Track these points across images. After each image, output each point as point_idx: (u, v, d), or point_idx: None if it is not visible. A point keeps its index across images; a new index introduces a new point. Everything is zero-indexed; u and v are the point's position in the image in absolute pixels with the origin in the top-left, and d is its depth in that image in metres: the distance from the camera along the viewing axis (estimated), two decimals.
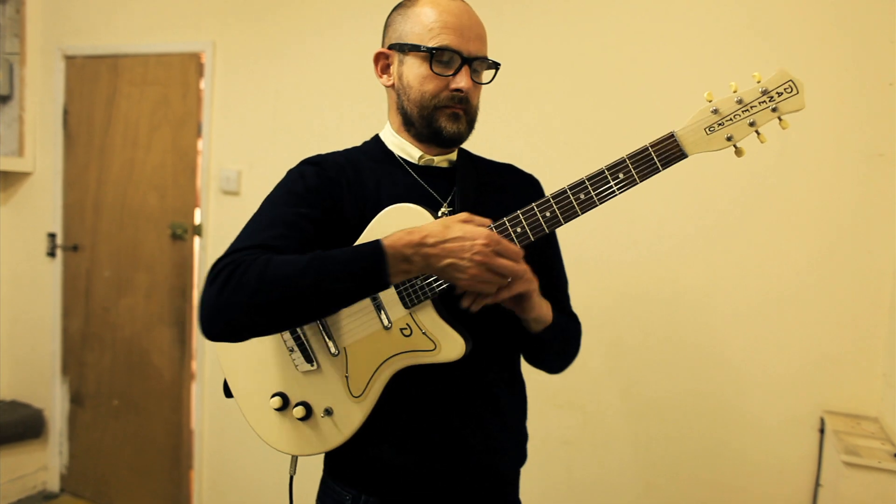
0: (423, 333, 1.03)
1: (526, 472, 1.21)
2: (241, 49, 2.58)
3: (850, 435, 1.60)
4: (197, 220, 2.71)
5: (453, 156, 1.17)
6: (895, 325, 1.67)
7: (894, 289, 1.69)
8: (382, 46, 1.14)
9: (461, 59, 1.06)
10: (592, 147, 2.01)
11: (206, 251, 2.70)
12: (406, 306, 1.03)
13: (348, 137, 2.37)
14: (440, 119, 1.08)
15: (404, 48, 1.08)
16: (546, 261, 1.18)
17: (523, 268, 0.97)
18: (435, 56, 1.05)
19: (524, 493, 1.22)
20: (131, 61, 2.81)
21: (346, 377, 1.06)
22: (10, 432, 2.96)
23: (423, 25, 1.06)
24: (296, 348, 1.09)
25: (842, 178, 1.75)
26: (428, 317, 1.03)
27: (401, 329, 1.04)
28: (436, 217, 1.01)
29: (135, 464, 2.93)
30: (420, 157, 1.13)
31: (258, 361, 1.13)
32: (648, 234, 1.95)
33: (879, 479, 1.46)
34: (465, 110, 1.09)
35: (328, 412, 1.07)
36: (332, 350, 1.07)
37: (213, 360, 2.72)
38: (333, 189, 1.09)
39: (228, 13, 2.60)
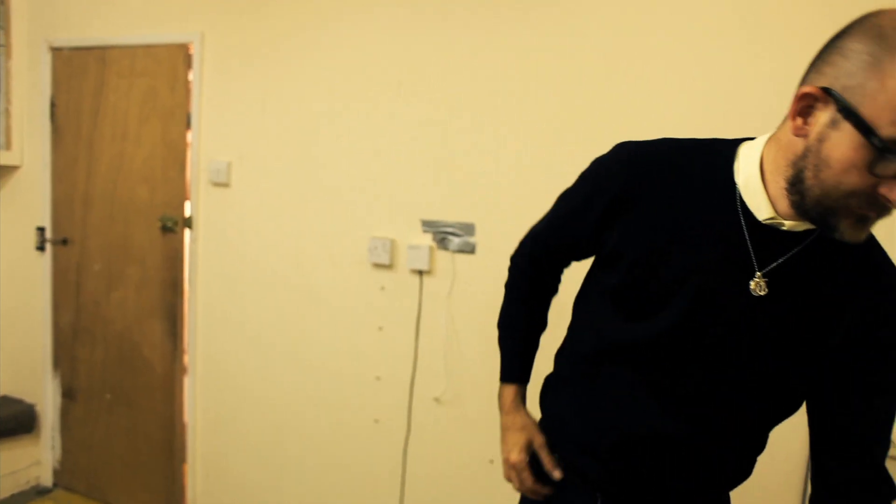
0: None
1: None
2: (230, 40, 2.56)
3: None
4: (187, 213, 2.70)
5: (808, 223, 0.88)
6: None
7: None
8: (812, 75, 0.83)
9: None
10: (583, 152, 2.00)
11: (197, 243, 2.69)
12: None
13: (340, 129, 2.36)
14: (841, 219, 0.81)
15: (849, 114, 0.75)
16: (855, 379, 0.94)
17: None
18: (883, 155, 0.73)
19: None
20: (119, 53, 2.78)
21: None
22: (2, 427, 2.95)
23: (891, 100, 0.71)
24: None
25: None
26: None
27: None
28: (746, 288, 0.91)
29: (128, 458, 2.92)
30: (768, 219, 0.89)
31: None
32: None
33: None
34: (880, 216, 0.81)
35: None
36: None
37: (204, 353, 2.72)
38: (628, 191, 0.98)
39: (216, 3, 2.58)
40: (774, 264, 0.91)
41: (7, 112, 2.99)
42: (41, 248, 3.03)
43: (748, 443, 1.05)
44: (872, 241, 0.93)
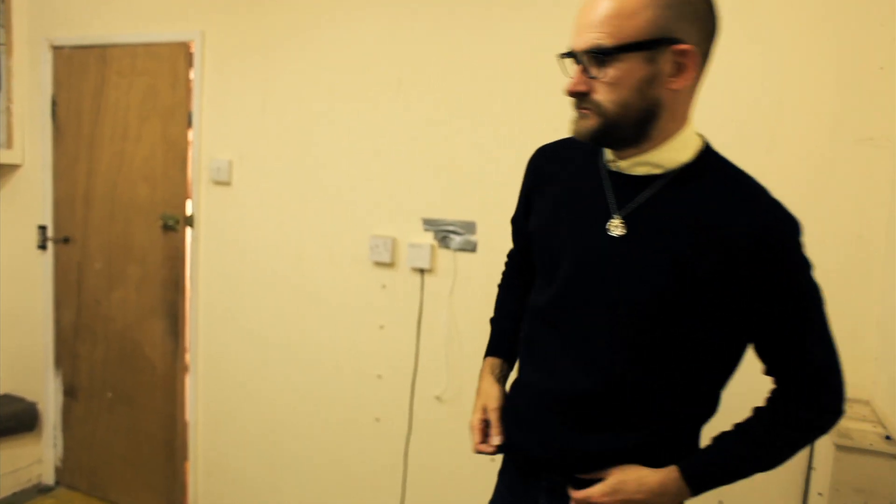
0: None
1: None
2: (231, 38, 2.56)
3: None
4: (188, 211, 2.70)
5: (658, 163, 1.01)
6: (886, 308, 1.67)
7: (884, 272, 1.70)
8: None
9: (572, 57, 0.98)
10: None
11: (199, 242, 2.69)
12: None
13: (341, 127, 2.36)
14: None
15: None
16: (757, 315, 1.00)
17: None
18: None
19: None
20: (119, 51, 2.78)
21: None
22: (4, 426, 2.95)
23: None
24: None
25: (832, 162, 1.74)
26: None
27: None
28: (604, 229, 1.02)
29: (129, 456, 2.93)
30: (609, 161, 1.06)
31: None
32: None
33: (871, 461, 1.47)
34: (591, 109, 0.97)
35: None
36: None
37: (206, 351, 2.72)
38: (534, 181, 1.21)
39: (217, 2, 2.58)
40: (633, 207, 1.01)
41: (8, 111, 2.99)
42: (42, 246, 3.04)
43: (668, 398, 1.05)
44: (740, 175, 1.02)
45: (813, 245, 1.76)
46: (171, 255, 2.76)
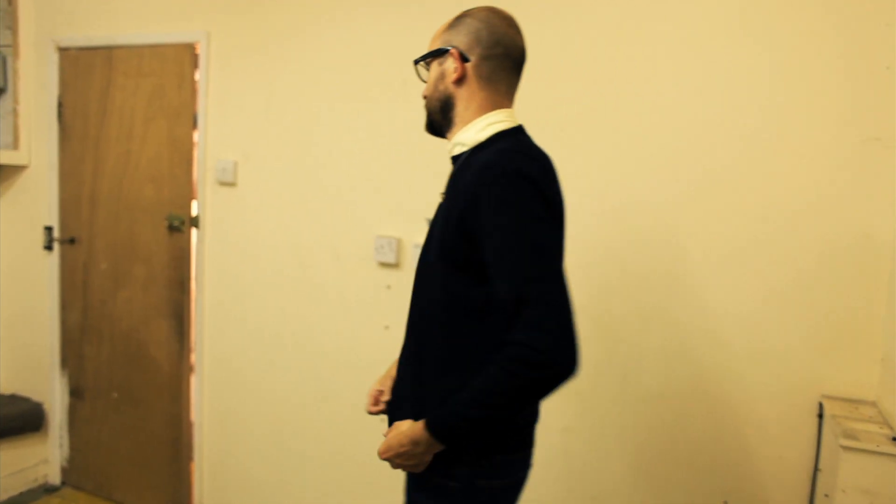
0: None
1: None
2: (236, 39, 2.57)
3: (848, 419, 1.60)
4: (194, 212, 2.70)
5: (463, 142, 1.28)
6: (893, 309, 1.67)
7: (892, 272, 1.69)
8: None
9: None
10: (585, 147, 2.00)
11: (204, 243, 2.70)
12: None
13: (345, 128, 2.37)
14: None
15: None
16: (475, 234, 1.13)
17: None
18: None
19: None
20: (125, 52, 2.79)
21: None
22: (10, 426, 2.97)
23: None
24: None
25: (838, 161, 1.74)
26: None
27: None
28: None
29: (135, 456, 2.94)
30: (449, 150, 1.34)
31: None
32: (648, 226, 1.95)
33: (878, 462, 1.46)
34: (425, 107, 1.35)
35: None
36: None
37: (211, 352, 2.73)
38: None
39: (222, 3, 2.58)
40: (450, 178, 1.28)
41: (15, 112, 3.01)
42: (49, 247, 3.05)
43: (459, 351, 1.18)
44: (509, 142, 1.22)
45: (819, 243, 1.77)
46: (176, 256, 2.76)
